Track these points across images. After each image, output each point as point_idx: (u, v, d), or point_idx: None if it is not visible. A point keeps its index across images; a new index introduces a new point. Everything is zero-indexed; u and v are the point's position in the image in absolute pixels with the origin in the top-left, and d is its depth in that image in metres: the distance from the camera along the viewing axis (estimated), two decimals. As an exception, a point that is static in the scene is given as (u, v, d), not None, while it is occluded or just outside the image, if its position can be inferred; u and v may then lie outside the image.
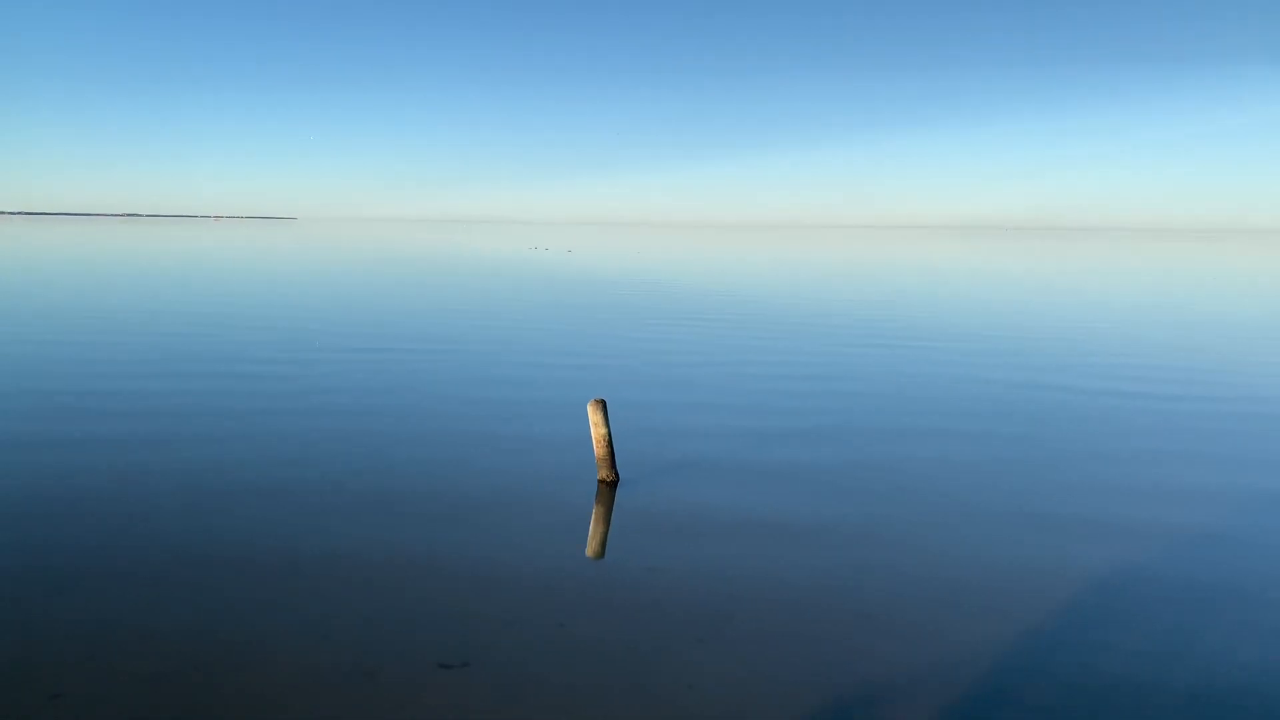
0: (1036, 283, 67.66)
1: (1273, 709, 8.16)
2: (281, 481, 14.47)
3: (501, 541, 12.05)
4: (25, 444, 16.48)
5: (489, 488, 14.32)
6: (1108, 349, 31.49)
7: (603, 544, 12.09)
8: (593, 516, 13.12)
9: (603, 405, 14.36)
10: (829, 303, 48.39)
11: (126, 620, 9.61)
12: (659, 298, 49.62)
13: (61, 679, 8.43)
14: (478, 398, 21.23)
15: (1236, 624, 9.89)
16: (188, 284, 54.38)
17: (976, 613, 10.10)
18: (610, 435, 14.59)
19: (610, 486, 14.43)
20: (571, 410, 19.90)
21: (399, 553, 11.62)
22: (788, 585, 10.77)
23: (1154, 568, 11.47)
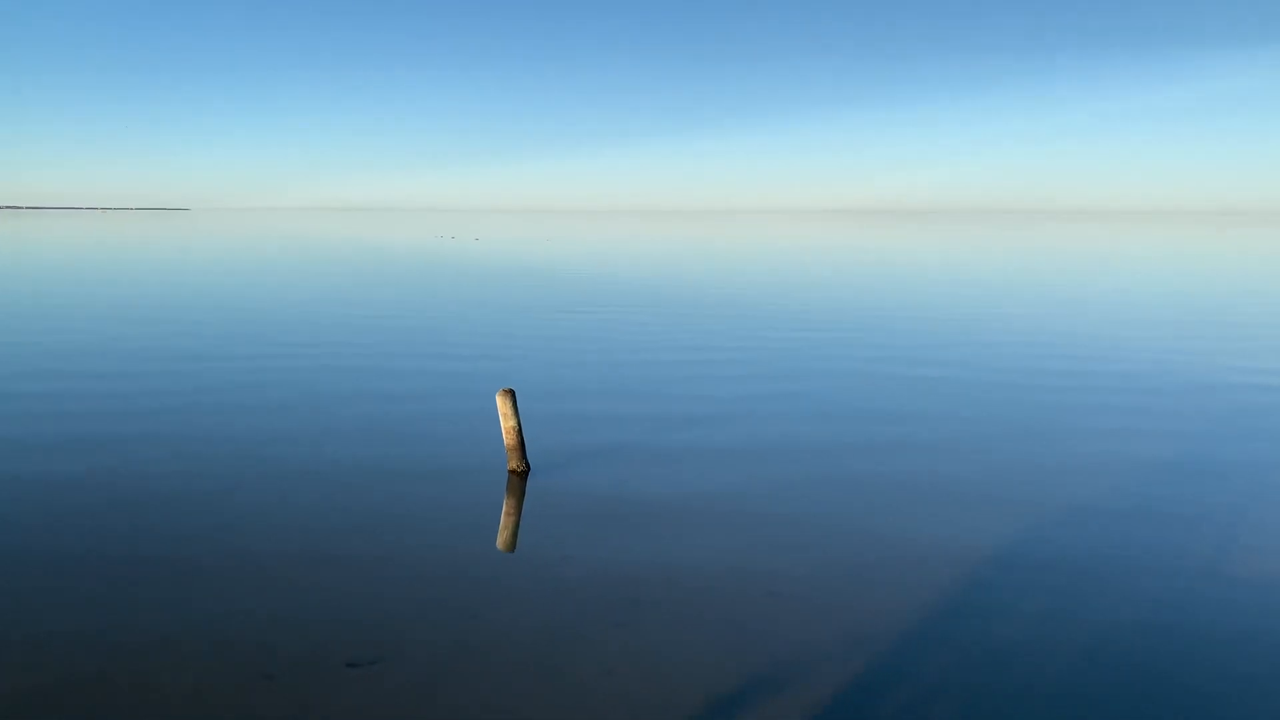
0: (927, 266, 69.71)
1: (1154, 670, 8.60)
2: (181, 481, 13.94)
3: (411, 535, 11.86)
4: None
5: (396, 481, 14.07)
6: (987, 329, 32.66)
7: (514, 535, 12.01)
8: (504, 507, 13.01)
9: (511, 395, 14.23)
10: (730, 288, 48.96)
11: (14, 629, 9.13)
12: (567, 285, 49.45)
13: (-61, 698, 7.96)
14: (382, 391, 20.82)
15: (1121, 590, 10.39)
16: (43, 282, 51.84)
17: (882, 588, 10.37)
18: (520, 425, 14.48)
19: (521, 476, 14.33)
20: (480, 401, 19.69)
21: (305, 550, 11.32)
22: (701, 568, 10.88)
23: (1039, 541, 11.95)
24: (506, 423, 14.37)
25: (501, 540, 11.79)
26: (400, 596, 10.04)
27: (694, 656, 8.76)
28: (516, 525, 12.34)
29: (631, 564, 11.00)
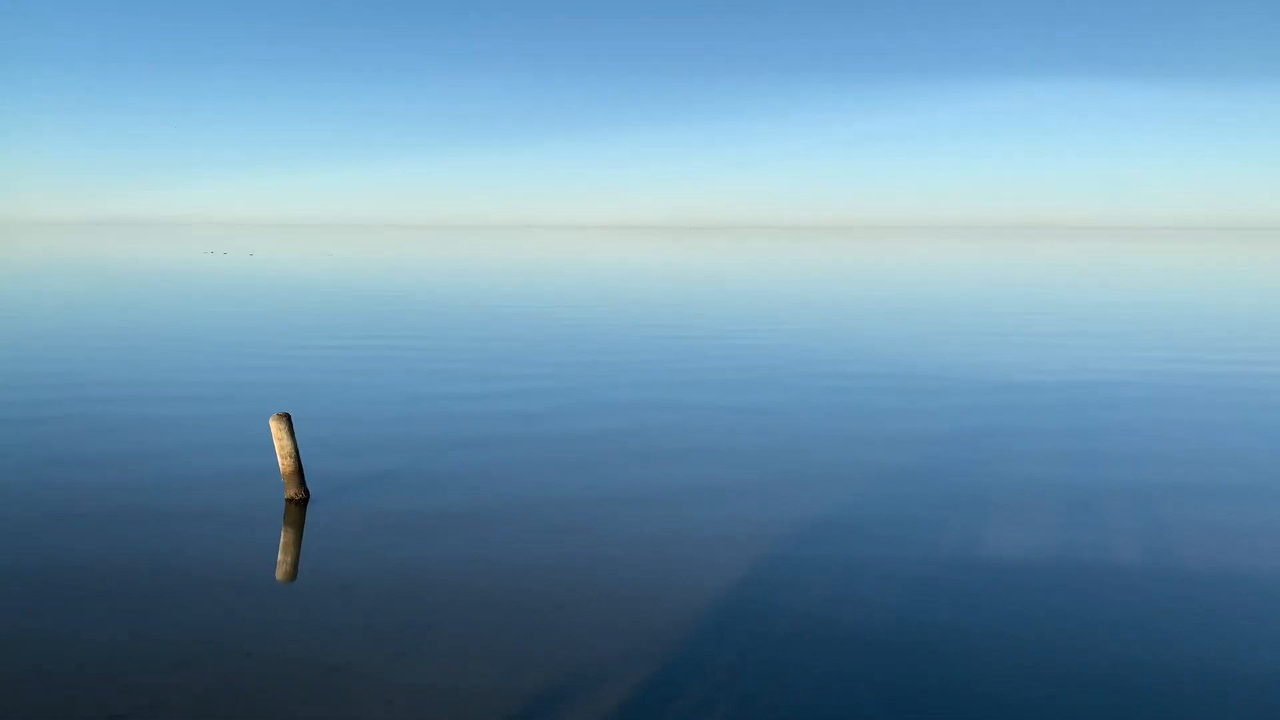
0: (708, 276, 72.51)
1: (907, 661, 9.37)
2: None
3: (180, 573, 11.08)
4: None
5: (164, 514, 13.10)
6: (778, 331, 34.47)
7: (294, 566, 11.48)
8: (282, 537, 12.41)
9: (287, 420, 13.61)
10: (516, 304, 48.98)
11: None
12: (346, 303, 47.75)
13: None
14: (150, 417, 19.32)
15: (874, 586, 11.24)
16: None
17: (660, 595, 10.69)
18: (297, 451, 13.86)
19: (300, 505, 13.71)
20: (254, 426, 18.67)
21: (65, 599, 10.33)
22: (487, 589, 10.81)
23: (811, 542, 12.74)
24: (282, 449, 13.72)
25: (280, 573, 11.23)
26: (168, 641, 9.37)
27: (479, 680, 8.70)
28: (296, 556, 11.79)
29: (416, 588, 10.78)
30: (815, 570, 11.39)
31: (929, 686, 8.55)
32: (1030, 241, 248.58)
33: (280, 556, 11.76)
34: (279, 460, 13.84)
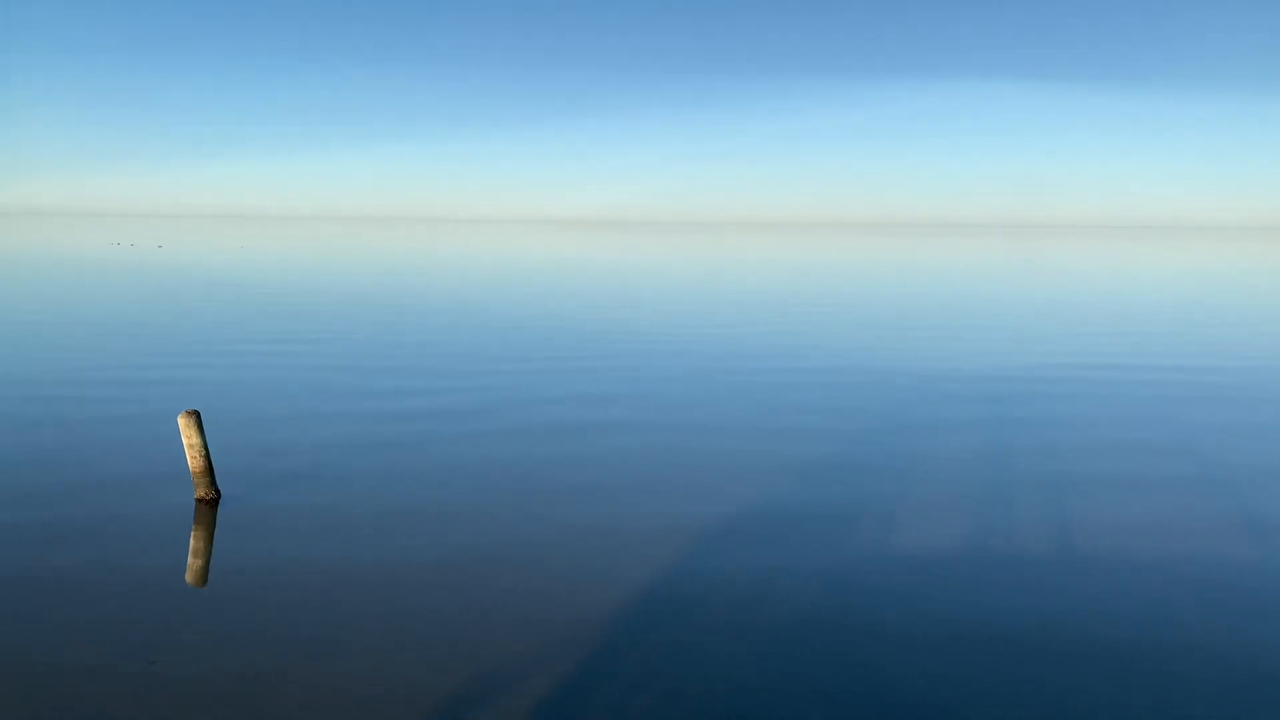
0: (629, 271, 72.61)
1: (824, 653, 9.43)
2: None
3: (80, 579, 10.54)
4: None
5: (64, 518, 12.46)
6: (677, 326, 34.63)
7: (205, 568, 11.03)
8: (191, 539, 11.92)
9: (196, 417, 13.08)
10: (429, 300, 48.30)
11: None
12: (259, 297, 46.44)
13: None
14: (48, 417, 18.42)
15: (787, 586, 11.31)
16: None
17: (586, 584, 10.58)
18: (207, 449, 13.34)
19: (210, 505, 13.20)
20: (161, 424, 17.96)
21: (-62, 611, 9.72)
22: (402, 587, 10.55)
23: (722, 550, 12.77)
24: (191, 447, 13.19)
25: (190, 576, 10.78)
26: (66, 651, 8.89)
27: (398, 683, 8.46)
28: (207, 559, 11.33)
29: (332, 590, 10.45)
30: (736, 565, 11.39)
31: (848, 676, 8.60)
32: (944, 239, 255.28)
33: (190, 560, 11.29)
34: (188, 459, 13.30)
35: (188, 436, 13.11)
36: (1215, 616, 9.99)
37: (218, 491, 13.51)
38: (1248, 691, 8.39)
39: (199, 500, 13.33)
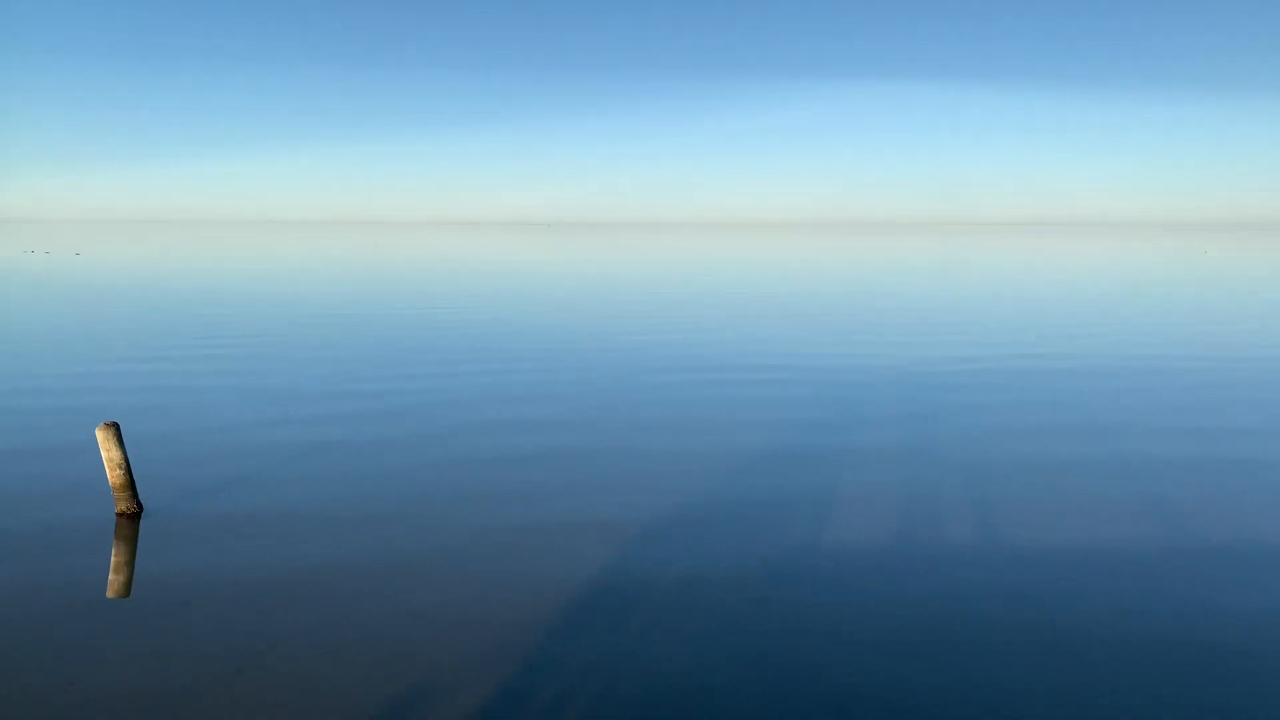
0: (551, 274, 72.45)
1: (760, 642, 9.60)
2: None
3: (-10, 602, 10.20)
4: None
5: (-29, 540, 12.02)
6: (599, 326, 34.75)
7: (127, 584, 10.76)
8: (113, 555, 11.61)
9: (115, 429, 12.75)
10: (350, 305, 47.65)
11: None
12: (179, 305, 45.25)
13: None
14: (-47, 434, 17.71)
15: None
16: None
17: (515, 586, 10.59)
18: (128, 461, 13.00)
19: (132, 519, 12.87)
20: (79, 437, 17.43)
21: None
22: (329, 598, 10.42)
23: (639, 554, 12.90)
24: (110, 460, 12.85)
25: (111, 592, 10.50)
26: (-23, 675, 8.60)
27: (327, 696, 8.37)
28: (129, 575, 11.05)
29: (258, 603, 10.28)
30: (669, 562, 11.50)
31: (780, 668, 8.77)
32: (875, 237, 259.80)
33: (111, 576, 11.00)
34: (107, 473, 12.95)
35: (106, 450, 12.77)
36: (1120, 592, 10.42)
37: (140, 505, 13.18)
38: (1148, 660, 8.77)
39: (120, 514, 12.97)
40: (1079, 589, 10.64)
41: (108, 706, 8.10)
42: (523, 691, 8.35)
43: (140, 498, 13.61)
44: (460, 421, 19.10)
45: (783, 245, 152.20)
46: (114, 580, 10.88)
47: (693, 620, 9.82)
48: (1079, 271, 78.69)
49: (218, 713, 8.01)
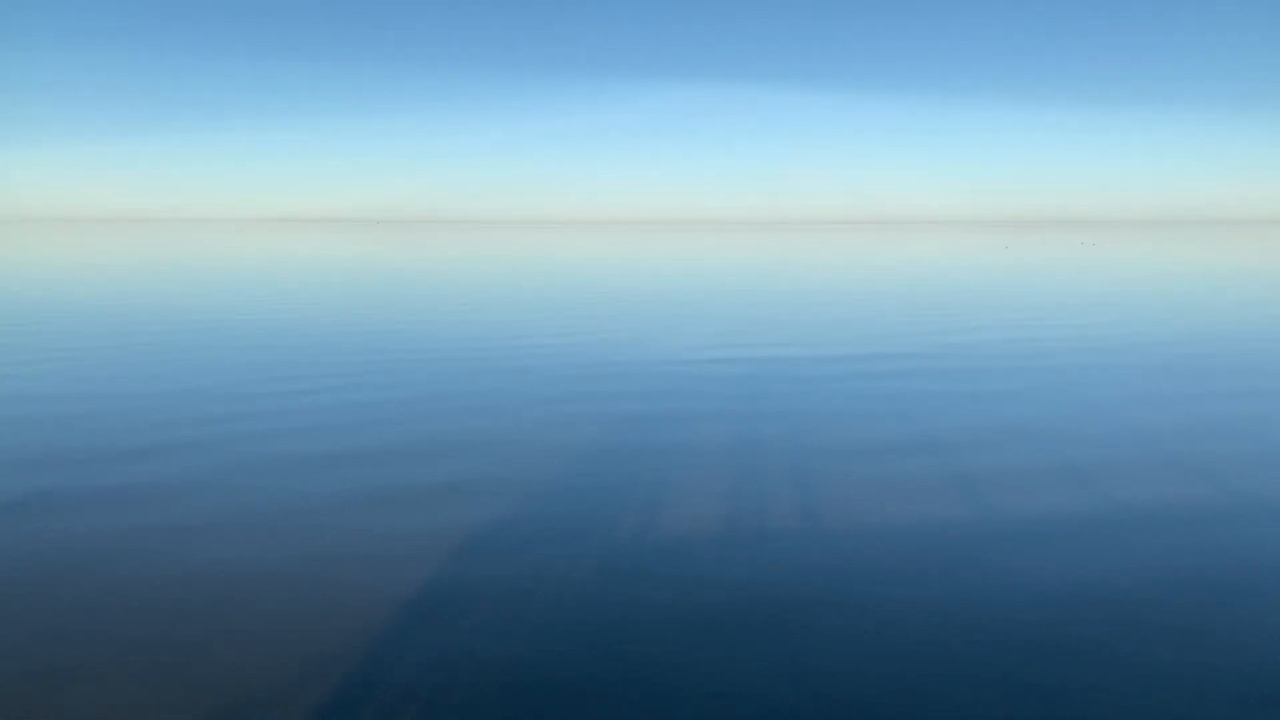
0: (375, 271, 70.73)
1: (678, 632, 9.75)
2: None
3: None
4: None
5: None
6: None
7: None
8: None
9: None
10: (151, 302, 45.05)
11: None
12: (-29, 309, 41.32)
13: None
14: None
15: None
16: None
17: (345, 594, 10.32)
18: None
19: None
20: None
21: None
22: (140, 615, 9.84)
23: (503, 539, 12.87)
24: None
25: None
26: None
27: (150, 715, 7.91)
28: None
29: (60, 623, 9.57)
30: (502, 562, 11.50)
31: (617, 663, 8.93)
32: (695, 235, 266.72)
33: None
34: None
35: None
36: (939, 570, 11.20)
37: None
38: (954, 635, 9.48)
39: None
40: (897, 568, 11.34)
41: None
42: (356, 699, 8.15)
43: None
44: (287, 425, 18.35)
45: (606, 243, 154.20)
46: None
47: (523, 621, 9.85)
48: (880, 267, 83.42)
49: (14, 749, 7.41)
